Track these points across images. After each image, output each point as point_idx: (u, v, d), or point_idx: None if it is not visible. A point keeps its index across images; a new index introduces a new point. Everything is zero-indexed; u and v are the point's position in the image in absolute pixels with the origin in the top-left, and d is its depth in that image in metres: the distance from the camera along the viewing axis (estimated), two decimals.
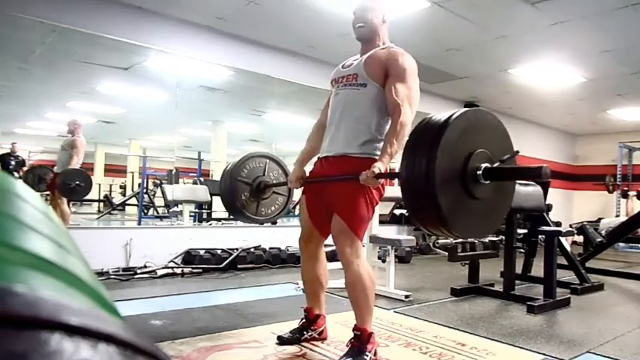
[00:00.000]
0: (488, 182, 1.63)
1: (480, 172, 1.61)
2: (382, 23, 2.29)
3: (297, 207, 6.69)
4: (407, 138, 2.02)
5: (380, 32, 2.28)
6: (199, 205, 7.01)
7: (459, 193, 1.59)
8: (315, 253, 2.40)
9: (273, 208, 2.79)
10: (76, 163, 4.84)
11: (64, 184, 4.38)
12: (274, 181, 2.75)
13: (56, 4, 3.88)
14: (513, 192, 1.91)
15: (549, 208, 4.57)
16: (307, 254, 2.40)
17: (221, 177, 2.76)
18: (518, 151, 1.77)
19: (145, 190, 8.01)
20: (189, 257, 4.46)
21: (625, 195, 9.07)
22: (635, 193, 8.70)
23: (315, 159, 2.45)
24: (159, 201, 8.54)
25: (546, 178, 1.59)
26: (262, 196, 2.71)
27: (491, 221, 1.78)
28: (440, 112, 1.77)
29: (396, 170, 2.01)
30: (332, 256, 3.08)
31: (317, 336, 2.43)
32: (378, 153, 2.12)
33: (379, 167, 1.97)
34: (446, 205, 1.51)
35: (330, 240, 2.32)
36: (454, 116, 1.60)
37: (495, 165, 1.64)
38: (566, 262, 4.40)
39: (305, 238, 2.39)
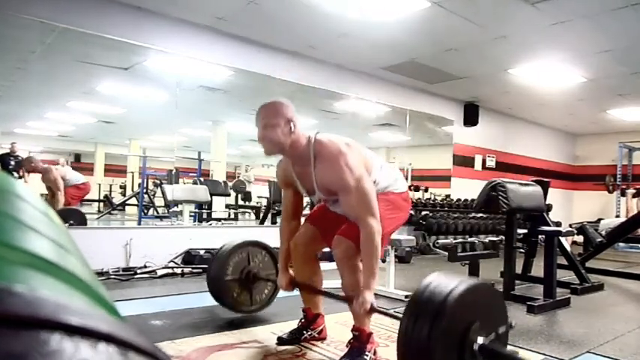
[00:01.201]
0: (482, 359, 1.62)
1: (476, 349, 1.59)
2: (290, 133, 2.03)
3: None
4: (379, 246, 2.00)
5: (296, 138, 2.05)
6: (199, 205, 7.00)
7: None
8: (312, 257, 2.41)
9: (266, 291, 2.91)
10: (62, 196, 5.24)
11: None
12: (260, 265, 2.87)
13: (56, 4, 3.88)
14: None
15: (549, 208, 4.57)
16: (303, 258, 2.38)
17: (207, 279, 2.80)
18: (512, 326, 1.74)
19: (144, 190, 8.00)
20: (189, 257, 4.46)
21: (623, 193, 9.06)
22: (633, 191, 8.69)
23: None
24: (159, 201, 8.53)
25: None
26: (253, 285, 2.82)
27: None
28: (442, 278, 1.63)
29: None
30: (328, 257, 3.07)
31: (316, 335, 2.44)
32: (385, 187, 2.19)
33: (370, 301, 1.98)
34: None
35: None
36: (459, 288, 1.56)
37: (491, 338, 1.61)
38: (566, 262, 4.40)
39: (306, 242, 2.36)
